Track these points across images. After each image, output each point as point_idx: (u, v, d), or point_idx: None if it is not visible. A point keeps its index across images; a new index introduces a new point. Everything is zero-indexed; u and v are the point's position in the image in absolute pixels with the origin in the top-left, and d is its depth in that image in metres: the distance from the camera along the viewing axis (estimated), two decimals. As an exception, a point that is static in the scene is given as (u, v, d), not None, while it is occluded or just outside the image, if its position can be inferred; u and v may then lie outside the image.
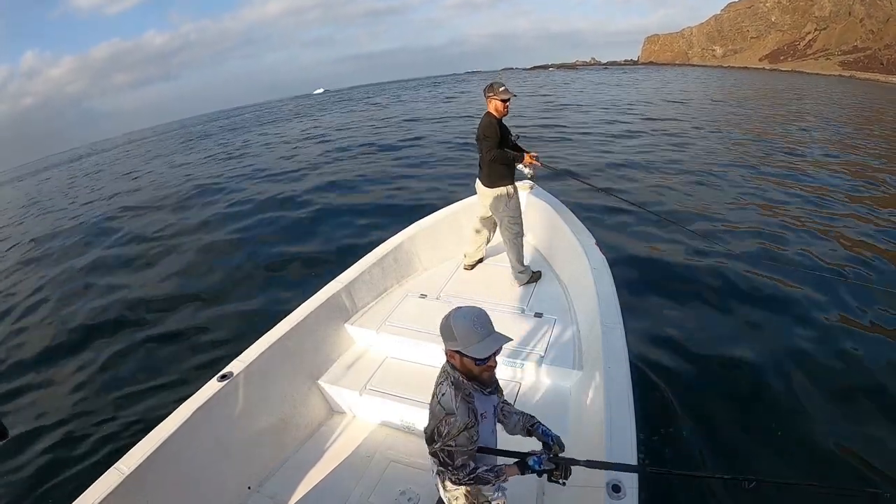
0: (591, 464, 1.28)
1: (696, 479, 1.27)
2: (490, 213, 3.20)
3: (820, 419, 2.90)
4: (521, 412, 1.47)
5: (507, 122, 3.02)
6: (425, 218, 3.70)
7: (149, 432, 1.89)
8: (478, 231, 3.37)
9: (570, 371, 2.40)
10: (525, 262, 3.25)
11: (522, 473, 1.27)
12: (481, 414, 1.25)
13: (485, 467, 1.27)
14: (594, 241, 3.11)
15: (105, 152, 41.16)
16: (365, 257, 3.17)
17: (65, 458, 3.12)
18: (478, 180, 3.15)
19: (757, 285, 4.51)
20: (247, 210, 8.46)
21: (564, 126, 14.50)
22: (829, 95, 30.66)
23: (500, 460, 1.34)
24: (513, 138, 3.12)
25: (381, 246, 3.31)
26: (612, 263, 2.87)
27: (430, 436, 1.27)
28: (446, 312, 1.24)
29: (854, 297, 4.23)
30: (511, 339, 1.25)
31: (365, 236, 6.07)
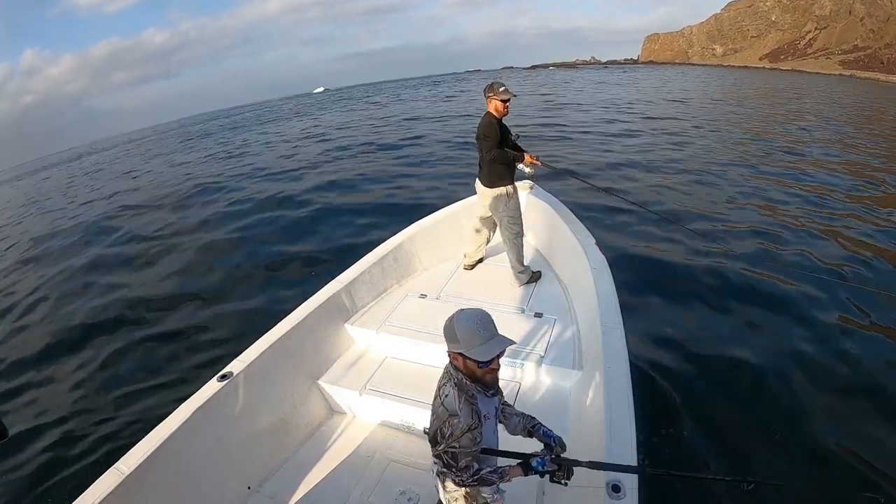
0: (593, 465, 1.29)
1: (696, 480, 1.28)
2: (490, 213, 3.19)
3: (820, 419, 2.90)
4: (522, 413, 1.47)
5: (507, 121, 3.02)
6: (425, 218, 3.70)
7: (148, 432, 1.89)
8: (478, 231, 3.36)
9: (570, 371, 2.40)
10: (525, 262, 3.25)
11: (526, 475, 1.27)
12: (484, 415, 1.25)
13: (488, 469, 1.27)
14: (594, 241, 3.11)
15: (105, 151, 41.14)
16: (365, 257, 3.17)
17: (64, 457, 3.13)
18: (477, 180, 3.15)
19: (757, 285, 4.51)
20: (246, 209, 8.46)
21: (564, 125, 14.49)
22: (829, 95, 30.64)
23: (502, 461, 1.34)
24: (513, 138, 3.11)
25: (381, 246, 3.31)
26: (612, 263, 2.87)
27: (434, 437, 1.27)
28: (446, 312, 1.24)
29: (854, 298, 4.23)
30: (514, 343, 1.25)
31: (365, 236, 6.07)
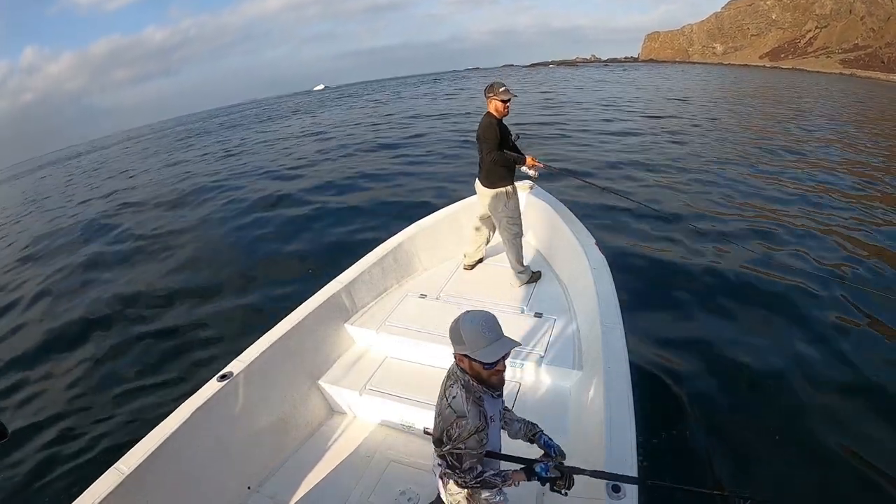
0: (595, 474, 1.30)
1: (693, 493, 1.29)
2: (490, 213, 3.19)
3: (819, 419, 2.91)
4: (524, 419, 1.47)
5: (507, 121, 3.01)
6: (425, 218, 3.70)
7: (145, 429, 1.89)
8: (478, 229, 3.36)
9: (570, 371, 2.40)
10: (525, 262, 3.24)
11: (529, 479, 1.28)
12: (490, 417, 1.25)
13: (491, 472, 1.28)
14: (594, 240, 3.11)
15: (104, 149, 41.05)
16: (365, 257, 3.17)
17: (63, 455, 3.13)
18: (477, 180, 3.15)
19: (756, 285, 4.51)
20: (245, 208, 8.44)
21: (564, 124, 14.46)
22: (829, 94, 30.63)
23: (504, 465, 1.35)
24: (513, 138, 3.11)
25: (381, 246, 3.31)
26: (612, 263, 2.87)
27: (439, 438, 1.27)
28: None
29: (853, 298, 4.24)
30: (520, 344, 1.25)
31: (364, 236, 6.06)
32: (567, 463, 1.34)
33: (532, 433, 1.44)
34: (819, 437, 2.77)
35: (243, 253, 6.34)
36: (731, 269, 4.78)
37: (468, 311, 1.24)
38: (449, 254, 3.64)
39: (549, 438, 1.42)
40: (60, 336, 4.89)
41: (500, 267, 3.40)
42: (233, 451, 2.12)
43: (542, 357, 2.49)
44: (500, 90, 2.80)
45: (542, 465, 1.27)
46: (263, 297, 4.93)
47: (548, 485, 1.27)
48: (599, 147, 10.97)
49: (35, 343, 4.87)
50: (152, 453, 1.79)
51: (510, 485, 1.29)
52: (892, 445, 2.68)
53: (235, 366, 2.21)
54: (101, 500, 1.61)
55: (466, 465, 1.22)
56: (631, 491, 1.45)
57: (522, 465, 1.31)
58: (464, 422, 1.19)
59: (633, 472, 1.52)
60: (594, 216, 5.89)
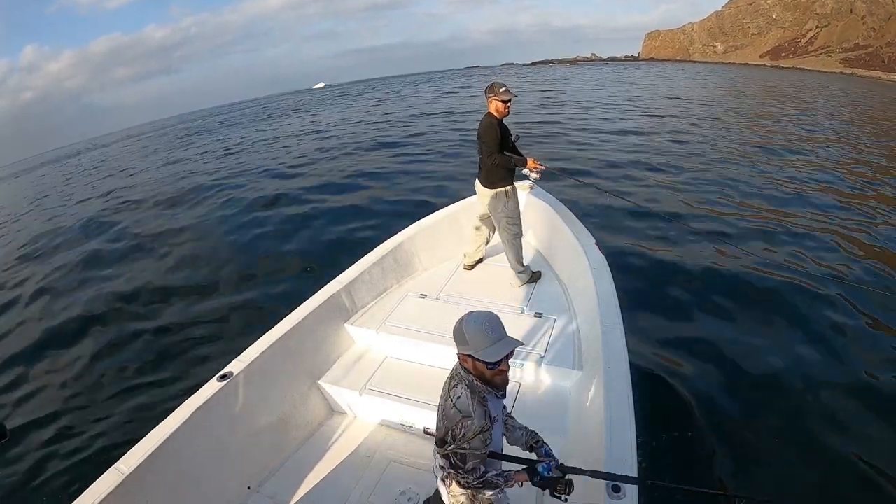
0: (595, 474, 1.31)
1: (692, 492, 1.30)
2: (490, 213, 3.19)
3: (819, 419, 2.91)
4: (525, 427, 1.48)
5: (507, 120, 3.01)
6: (425, 218, 3.69)
7: (145, 429, 1.89)
8: (478, 229, 3.36)
9: (570, 371, 2.40)
10: (525, 262, 3.24)
11: (531, 479, 1.28)
12: (493, 417, 1.26)
13: (494, 472, 1.29)
14: (594, 240, 3.11)
15: (104, 147, 41.01)
16: (365, 257, 3.16)
17: (62, 454, 3.14)
18: (477, 180, 3.14)
19: (757, 285, 4.51)
20: (244, 207, 8.44)
21: (564, 123, 14.45)
22: (829, 93, 30.60)
23: (506, 465, 1.35)
24: (513, 139, 3.10)
25: (381, 246, 3.30)
26: (612, 263, 2.87)
27: (443, 438, 1.27)
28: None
29: (853, 297, 4.24)
30: (523, 344, 1.26)
31: (364, 234, 6.06)
32: (566, 463, 1.34)
33: (534, 440, 1.44)
34: (819, 437, 2.78)
35: (242, 251, 6.34)
36: (730, 269, 4.78)
37: (472, 312, 1.25)
38: (449, 254, 3.63)
39: (549, 448, 1.43)
40: (59, 334, 4.90)
41: (500, 267, 3.40)
42: (233, 451, 2.12)
43: (542, 357, 2.49)
44: (501, 90, 2.79)
45: (545, 465, 1.28)
46: (262, 295, 4.94)
47: (547, 490, 1.27)
48: (599, 146, 10.96)
49: (34, 341, 4.87)
50: (152, 453, 1.79)
51: (512, 485, 1.29)
52: (892, 445, 2.69)
53: (235, 366, 2.21)
54: (101, 500, 1.61)
55: (470, 465, 1.23)
56: (631, 491, 1.45)
57: (524, 466, 1.32)
58: (469, 421, 1.20)
59: (633, 472, 1.53)
60: (594, 216, 5.89)
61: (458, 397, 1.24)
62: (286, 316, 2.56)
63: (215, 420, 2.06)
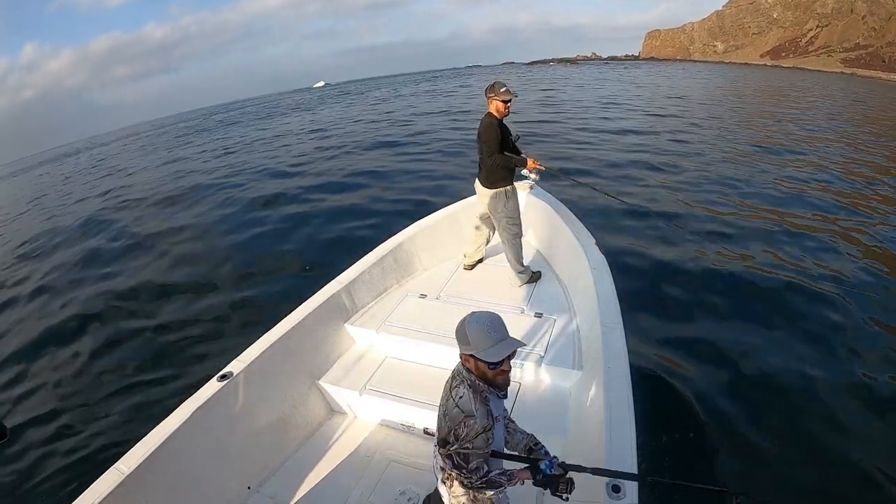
0: (597, 471, 1.31)
1: (691, 489, 1.30)
2: (489, 212, 3.18)
3: (819, 420, 2.92)
4: (525, 432, 1.48)
5: (507, 120, 3.00)
6: (425, 218, 3.69)
7: (144, 427, 1.89)
8: (478, 229, 3.35)
9: (570, 371, 2.40)
10: (525, 262, 3.24)
11: (533, 478, 1.29)
12: (496, 417, 1.26)
13: (497, 471, 1.29)
14: (594, 240, 3.11)
15: (104, 146, 40.94)
16: (365, 257, 3.16)
17: (61, 452, 3.14)
18: (477, 180, 3.14)
19: (756, 285, 4.52)
20: (244, 206, 8.43)
21: (564, 122, 14.44)
22: (830, 93, 30.59)
23: (507, 464, 1.35)
24: (513, 139, 3.09)
25: (381, 246, 3.30)
26: (612, 263, 2.87)
27: (445, 438, 1.28)
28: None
29: (853, 298, 4.24)
30: (524, 344, 1.26)
31: (363, 233, 6.06)
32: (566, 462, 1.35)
33: (534, 442, 1.44)
34: (819, 436, 2.78)
35: (241, 250, 6.33)
36: (730, 269, 4.78)
37: (474, 312, 1.26)
38: (449, 254, 3.63)
39: (548, 452, 1.43)
40: (58, 332, 4.90)
41: (500, 267, 3.40)
42: (233, 451, 2.12)
43: (542, 357, 2.49)
44: (501, 90, 2.79)
45: (547, 463, 1.29)
46: (261, 294, 4.94)
47: (548, 490, 1.27)
48: (599, 146, 10.95)
49: (33, 339, 4.87)
50: (152, 453, 1.79)
51: (515, 483, 1.30)
52: (892, 445, 2.69)
53: (235, 366, 2.20)
54: (101, 500, 1.61)
55: (473, 464, 1.23)
56: (631, 492, 1.45)
57: (526, 465, 1.32)
58: (472, 421, 1.20)
59: (634, 472, 1.53)
60: (594, 216, 5.88)
61: (461, 397, 1.24)
62: (286, 316, 2.55)
63: (215, 420, 2.06)
